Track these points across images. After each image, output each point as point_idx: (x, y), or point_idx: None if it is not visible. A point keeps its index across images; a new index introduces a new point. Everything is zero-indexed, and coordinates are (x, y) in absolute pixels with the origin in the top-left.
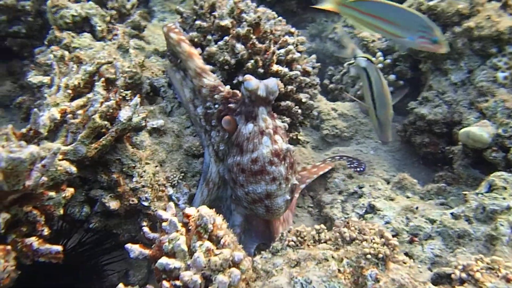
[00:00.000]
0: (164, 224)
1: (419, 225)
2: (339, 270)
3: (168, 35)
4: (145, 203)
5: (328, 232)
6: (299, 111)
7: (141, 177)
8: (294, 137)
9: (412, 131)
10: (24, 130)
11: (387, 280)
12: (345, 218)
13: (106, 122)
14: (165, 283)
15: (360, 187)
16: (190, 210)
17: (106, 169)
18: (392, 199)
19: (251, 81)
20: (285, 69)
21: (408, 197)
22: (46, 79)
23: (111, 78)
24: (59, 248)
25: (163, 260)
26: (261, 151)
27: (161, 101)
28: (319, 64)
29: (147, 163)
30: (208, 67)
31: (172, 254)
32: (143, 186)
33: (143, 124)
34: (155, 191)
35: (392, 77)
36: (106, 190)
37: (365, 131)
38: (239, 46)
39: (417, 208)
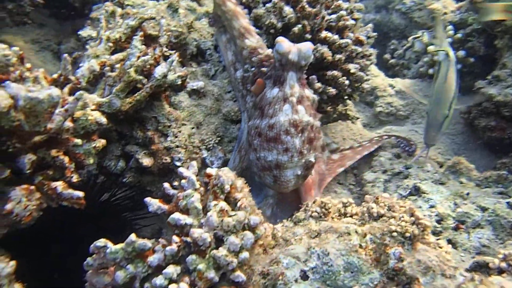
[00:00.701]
0: (183, 181)
1: (467, 212)
2: (360, 245)
3: None
4: (178, 163)
5: (356, 207)
6: (346, 82)
7: (176, 137)
8: (343, 111)
9: (476, 113)
10: (55, 76)
11: (411, 261)
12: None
13: (141, 77)
14: (175, 237)
15: (407, 168)
16: (211, 170)
17: (142, 126)
18: (442, 183)
19: (283, 43)
20: (335, 36)
21: (461, 183)
22: (94, 33)
23: (153, 34)
24: (80, 194)
25: (176, 215)
26: (278, 118)
27: (206, 63)
28: (375, 34)
29: (183, 124)
30: (253, 28)
31: (185, 211)
32: (177, 146)
33: (179, 82)
34: (189, 152)
35: (461, 53)
36: (141, 147)
37: (424, 111)
38: (287, 9)
39: (468, 194)
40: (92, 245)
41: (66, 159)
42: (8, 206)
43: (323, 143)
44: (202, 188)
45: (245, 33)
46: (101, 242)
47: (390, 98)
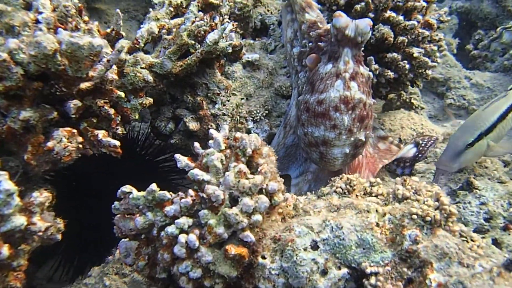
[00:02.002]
0: (210, 141)
1: None
2: (377, 224)
3: None
4: (223, 132)
5: (383, 187)
6: (407, 66)
7: (224, 105)
8: (407, 100)
9: None
10: (108, 30)
11: (428, 245)
12: None
13: (193, 42)
14: (190, 191)
15: None
16: (239, 134)
17: (193, 91)
18: (501, 182)
19: (341, 18)
20: (400, 17)
21: None
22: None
23: (214, 3)
24: (117, 143)
25: (195, 170)
26: (329, 94)
27: (267, 38)
28: (449, 18)
29: (233, 94)
30: (315, 3)
31: (206, 168)
32: (224, 114)
33: (229, 50)
34: (235, 121)
35: None
36: (190, 111)
37: None
38: None
39: None
40: (119, 190)
41: (112, 111)
42: (49, 144)
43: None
44: (228, 150)
45: (306, 7)
46: (127, 188)
47: (464, 90)
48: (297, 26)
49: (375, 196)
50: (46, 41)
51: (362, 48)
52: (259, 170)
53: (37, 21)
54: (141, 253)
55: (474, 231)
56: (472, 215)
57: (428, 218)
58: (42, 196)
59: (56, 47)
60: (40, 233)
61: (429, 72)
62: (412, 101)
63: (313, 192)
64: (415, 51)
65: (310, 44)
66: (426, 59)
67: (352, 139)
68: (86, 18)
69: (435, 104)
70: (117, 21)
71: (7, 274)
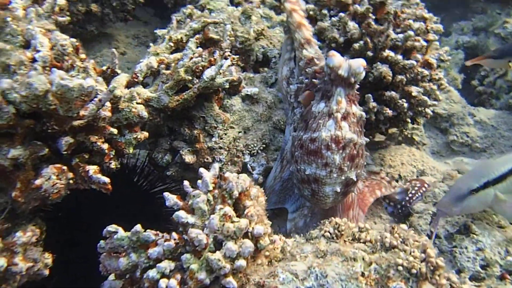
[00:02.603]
0: (199, 181)
1: None
2: (363, 274)
3: (284, 4)
4: (219, 164)
5: (372, 233)
6: (405, 105)
7: (221, 138)
8: (408, 135)
9: None
10: (104, 68)
11: None
12: (431, 232)
13: (190, 77)
14: (174, 234)
15: None
16: (228, 174)
17: (191, 124)
18: (500, 227)
19: (334, 58)
20: (398, 57)
21: None
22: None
23: (215, 38)
24: (106, 179)
25: (180, 213)
26: (320, 133)
27: (269, 71)
28: (449, 57)
29: (231, 127)
30: (314, 40)
31: (191, 210)
32: (220, 148)
33: (226, 86)
34: (231, 155)
35: None
36: (187, 144)
37: (505, 146)
38: (351, 25)
39: None
40: (105, 229)
41: (106, 145)
42: (37, 181)
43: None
44: (216, 190)
45: (304, 44)
46: (112, 227)
47: (468, 127)
48: (293, 65)
49: (363, 243)
50: (37, 82)
51: (358, 86)
52: (245, 213)
53: (34, 60)
54: None
55: (469, 278)
56: (468, 261)
57: (414, 271)
58: (25, 235)
59: (48, 88)
60: (23, 273)
61: (428, 110)
62: (414, 136)
63: (308, 227)
64: (414, 90)
65: (306, 80)
66: (425, 98)
67: (343, 177)
68: (83, 56)
69: (438, 140)
70: (112, 60)
71: None
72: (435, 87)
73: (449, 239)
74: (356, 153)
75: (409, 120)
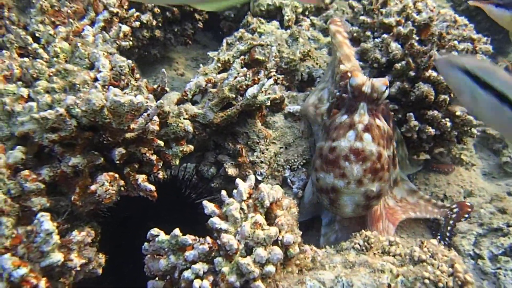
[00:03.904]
0: (234, 191)
1: None
2: (389, 285)
3: (329, 26)
4: (259, 177)
5: (402, 248)
6: (449, 124)
7: (262, 153)
8: (457, 155)
9: None
10: (155, 86)
11: None
12: (474, 252)
13: (234, 95)
14: (208, 238)
15: (509, 226)
16: (262, 185)
17: (234, 139)
18: None
19: (356, 78)
20: (441, 77)
21: None
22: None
23: (260, 59)
24: (152, 187)
25: (214, 219)
26: (340, 143)
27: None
28: None
29: (273, 143)
30: (354, 57)
31: (225, 217)
32: (262, 162)
33: (268, 103)
34: (272, 169)
35: None
36: (230, 157)
37: None
38: (394, 45)
39: None
40: (148, 233)
41: (154, 157)
42: (93, 187)
43: (397, 178)
44: (251, 200)
45: (343, 60)
46: (155, 231)
47: None
48: (323, 94)
49: (392, 256)
50: (95, 98)
51: (384, 106)
52: (276, 222)
53: (96, 79)
54: None
55: None
56: None
57: (440, 285)
58: (80, 235)
59: (103, 104)
60: (78, 268)
61: (474, 130)
62: (462, 157)
63: (339, 242)
64: (458, 110)
65: (338, 93)
66: (470, 117)
67: (363, 189)
68: (137, 76)
69: (490, 161)
70: (162, 79)
71: None
72: None
73: (493, 261)
74: (380, 167)
75: (454, 140)
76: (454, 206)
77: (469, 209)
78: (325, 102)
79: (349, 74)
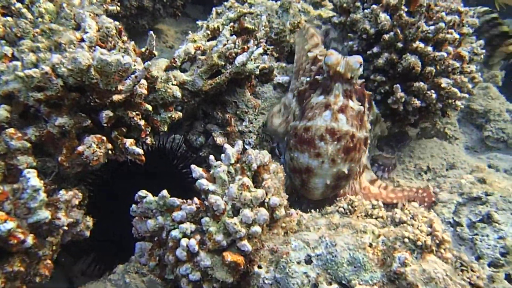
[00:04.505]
0: (222, 155)
1: None
2: (370, 244)
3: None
4: (248, 147)
5: (384, 211)
6: (434, 96)
7: (251, 123)
8: (441, 129)
9: None
10: (143, 49)
11: (415, 268)
12: (454, 220)
13: (223, 63)
14: (195, 199)
15: (488, 195)
16: (249, 149)
17: (223, 108)
18: None
19: (332, 56)
20: (428, 48)
21: None
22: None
23: (249, 28)
24: (140, 151)
25: (202, 180)
26: (316, 122)
27: None
28: (483, 51)
29: (261, 113)
30: (321, 44)
31: (213, 179)
32: (250, 132)
33: (257, 72)
34: (260, 139)
35: None
36: (219, 127)
37: None
38: (383, 16)
39: None
40: (136, 195)
41: (143, 122)
42: (80, 148)
43: (366, 165)
44: (238, 165)
45: (312, 49)
46: (143, 192)
47: (504, 124)
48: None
49: (375, 218)
50: (81, 57)
51: (361, 82)
52: (262, 184)
53: (82, 40)
54: (153, 254)
55: (488, 265)
56: (488, 248)
57: (419, 243)
58: (67, 194)
59: (90, 63)
60: (66, 228)
61: (458, 103)
62: (446, 131)
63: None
64: (443, 82)
65: (308, 79)
66: (455, 89)
67: (335, 169)
68: (125, 38)
69: (473, 136)
70: (150, 42)
71: (36, 261)
72: (466, 79)
73: (471, 227)
74: (353, 146)
75: (438, 112)
76: (420, 191)
77: (432, 199)
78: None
79: (319, 57)
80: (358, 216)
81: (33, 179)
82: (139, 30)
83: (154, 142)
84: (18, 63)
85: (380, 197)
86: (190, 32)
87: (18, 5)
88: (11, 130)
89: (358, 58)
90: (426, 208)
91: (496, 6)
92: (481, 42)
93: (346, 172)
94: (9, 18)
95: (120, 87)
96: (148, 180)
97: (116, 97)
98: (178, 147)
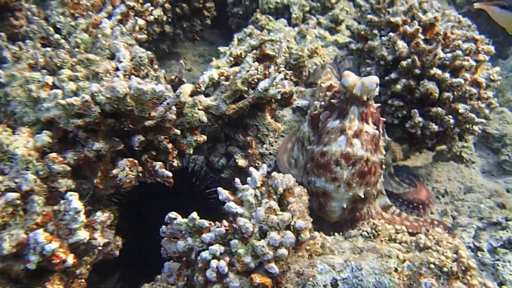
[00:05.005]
0: (248, 178)
1: None
2: (396, 269)
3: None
4: (268, 169)
5: (408, 235)
6: (452, 121)
7: (271, 145)
8: (458, 153)
9: None
10: (172, 77)
11: None
12: (474, 245)
13: (246, 88)
14: (224, 221)
15: (508, 220)
16: (275, 173)
17: (244, 131)
18: None
19: (349, 78)
20: (446, 75)
21: None
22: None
23: (271, 54)
24: (169, 173)
25: (230, 203)
26: (331, 148)
27: None
28: (500, 78)
29: (281, 136)
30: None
31: (240, 202)
32: (270, 154)
33: (278, 97)
34: None
35: None
36: (240, 149)
37: None
38: (401, 44)
39: None
40: (166, 216)
41: (170, 145)
42: (114, 171)
43: (381, 190)
44: (264, 188)
45: (325, 81)
46: (173, 214)
47: None
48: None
49: (399, 243)
50: (119, 86)
51: (376, 105)
52: (288, 208)
53: (117, 69)
54: (182, 274)
55: None
56: (510, 274)
57: (445, 269)
58: (103, 215)
59: (127, 91)
60: (100, 248)
61: (476, 128)
62: (463, 154)
63: None
64: (461, 107)
65: (322, 103)
66: (473, 115)
67: (351, 193)
68: (156, 66)
69: (490, 160)
70: (180, 70)
71: (72, 280)
72: (483, 105)
73: (492, 253)
74: (368, 170)
75: (456, 137)
76: (436, 223)
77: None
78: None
79: (333, 84)
80: (382, 240)
81: (75, 201)
82: (159, 54)
83: (180, 165)
84: (59, 91)
85: (392, 223)
86: (207, 55)
87: (57, 36)
88: (54, 154)
89: (374, 79)
90: None
91: (509, 32)
92: (497, 69)
93: (362, 195)
94: (48, 49)
95: (153, 113)
96: (172, 199)
97: (148, 123)
98: (200, 168)
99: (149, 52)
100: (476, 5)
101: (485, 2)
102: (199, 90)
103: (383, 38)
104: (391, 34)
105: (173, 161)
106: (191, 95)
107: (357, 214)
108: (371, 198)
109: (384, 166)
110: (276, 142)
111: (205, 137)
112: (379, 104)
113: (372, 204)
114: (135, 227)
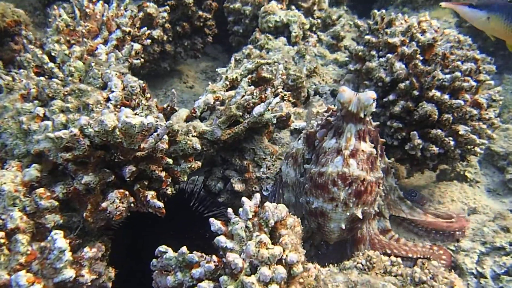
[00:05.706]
0: (240, 209)
1: None
2: None
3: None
4: (265, 193)
5: (403, 268)
6: (452, 143)
7: (269, 169)
8: (461, 172)
9: None
10: (164, 106)
11: None
12: (477, 271)
13: (241, 113)
14: (214, 257)
15: None
16: (267, 204)
17: (241, 155)
18: None
19: (344, 93)
20: (445, 96)
21: None
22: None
23: (267, 77)
24: (161, 204)
25: (220, 238)
26: (328, 169)
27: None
28: (501, 98)
29: (279, 158)
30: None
31: (231, 236)
32: (268, 178)
33: (274, 121)
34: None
35: None
36: (237, 173)
37: None
38: (398, 65)
39: None
40: (156, 249)
41: (163, 174)
42: (104, 204)
43: (381, 211)
44: (256, 219)
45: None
46: (163, 248)
47: None
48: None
49: (394, 276)
50: (107, 120)
51: (376, 125)
52: (280, 241)
53: (108, 99)
54: None
55: None
56: None
57: None
58: (91, 251)
59: (115, 124)
60: (89, 284)
61: (477, 149)
62: (467, 174)
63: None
64: (461, 129)
65: (319, 122)
66: (474, 136)
67: (348, 213)
68: (148, 95)
69: (495, 178)
70: (172, 99)
71: None
72: (484, 126)
73: (495, 280)
74: (364, 190)
75: (458, 158)
76: (436, 248)
77: (451, 258)
78: None
79: (330, 106)
80: (376, 273)
81: (59, 240)
82: (161, 72)
83: (174, 192)
84: (49, 123)
85: (388, 247)
86: (209, 72)
87: (51, 64)
88: (41, 190)
89: (371, 94)
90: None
91: (509, 48)
92: (499, 88)
93: (360, 216)
94: (42, 78)
95: (143, 145)
96: (169, 224)
97: (139, 153)
98: (197, 192)
99: (141, 81)
100: (443, 4)
101: (452, 2)
102: (194, 115)
103: (381, 59)
104: (389, 55)
105: (167, 189)
106: (187, 120)
107: (359, 236)
108: (369, 217)
109: (381, 187)
110: (273, 165)
111: (199, 164)
112: (377, 123)
113: (371, 224)
114: (130, 254)
